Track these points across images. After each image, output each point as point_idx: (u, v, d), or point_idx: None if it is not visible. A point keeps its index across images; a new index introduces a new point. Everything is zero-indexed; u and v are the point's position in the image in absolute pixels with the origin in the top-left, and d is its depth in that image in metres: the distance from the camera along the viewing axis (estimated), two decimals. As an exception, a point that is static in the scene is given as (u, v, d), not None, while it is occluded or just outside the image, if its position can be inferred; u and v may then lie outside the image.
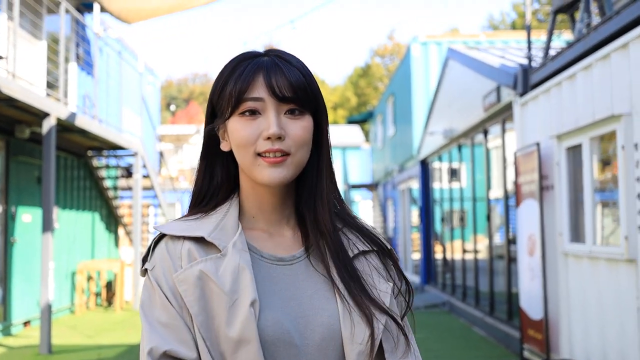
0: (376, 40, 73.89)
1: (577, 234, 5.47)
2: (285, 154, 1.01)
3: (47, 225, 7.23)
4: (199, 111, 48.32)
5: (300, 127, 1.03)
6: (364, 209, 25.86)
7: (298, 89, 1.03)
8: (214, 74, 70.43)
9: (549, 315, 5.92)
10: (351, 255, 1.07)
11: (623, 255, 4.52)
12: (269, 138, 1.00)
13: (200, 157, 1.12)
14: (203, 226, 1.04)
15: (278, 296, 1.01)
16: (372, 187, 20.66)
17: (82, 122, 8.51)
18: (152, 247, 1.04)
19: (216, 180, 1.10)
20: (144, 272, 1.03)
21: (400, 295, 1.13)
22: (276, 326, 0.98)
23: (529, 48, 6.74)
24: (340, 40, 76.51)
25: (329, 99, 49.02)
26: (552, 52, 6.52)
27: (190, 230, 1.03)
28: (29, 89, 7.13)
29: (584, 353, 5.25)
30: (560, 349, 5.78)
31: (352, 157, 28.08)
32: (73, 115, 8.13)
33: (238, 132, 1.02)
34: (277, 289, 1.02)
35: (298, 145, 1.03)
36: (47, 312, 7.09)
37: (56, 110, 7.54)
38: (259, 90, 1.01)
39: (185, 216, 1.09)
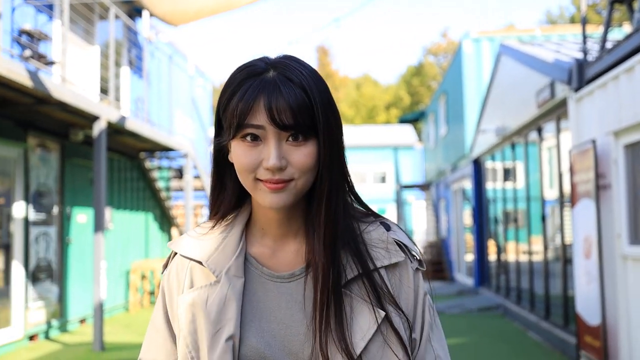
0: (429, 39, 72.98)
1: (636, 236, 5.17)
2: (286, 181, 0.99)
3: (99, 225, 7.39)
4: (253, 113, 48.95)
5: (302, 155, 0.99)
6: (417, 209, 25.52)
7: (299, 114, 0.97)
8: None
9: (607, 321, 5.62)
10: (345, 280, 1.01)
11: (686, 258, 4.23)
12: (268, 169, 0.98)
13: (212, 167, 1.11)
14: (206, 246, 1.06)
15: (266, 318, 1.02)
16: (424, 187, 20.36)
17: (132, 124, 8.66)
18: (169, 259, 1.11)
19: (227, 191, 1.10)
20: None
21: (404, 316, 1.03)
22: (255, 355, 0.99)
23: (584, 41, 6.44)
24: (394, 38, 75.93)
25: (381, 98, 48.74)
26: (609, 45, 6.20)
27: (194, 252, 1.06)
28: (80, 93, 7.30)
29: (645, 362, 4.96)
30: (619, 357, 5.48)
31: (405, 157, 27.78)
32: (123, 118, 8.28)
33: (239, 158, 1.00)
34: (268, 307, 1.03)
35: (301, 173, 1.00)
36: (99, 311, 7.24)
37: (106, 114, 7.70)
38: (260, 116, 0.97)
39: (200, 227, 1.11)
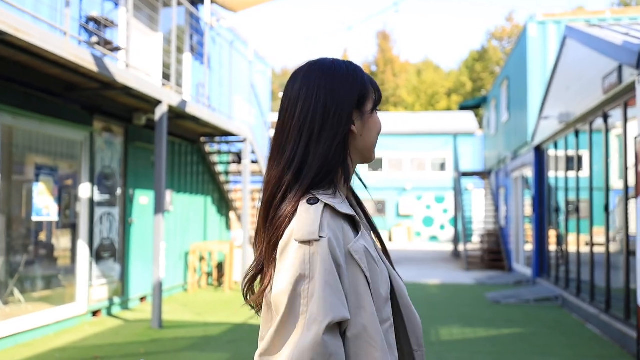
0: (494, 22, 71.04)
1: None
2: None
3: (159, 207, 7.62)
4: (312, 99, 48.98)
5: None
6: (476, 197, 25.06)
7: None
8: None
9: (671, 315, 5.40)
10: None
11: None
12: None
13: (336, 139, 1.28)
14: (345, 205, 1.25)
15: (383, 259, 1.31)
16: (484, 175, 19.96)
17: (193, 109, 8.86)
18: (321, 218, 1.18)
19: (341, 156, 1.29)
20: (320, 239, 1.15)
21: None
22: (398, 283, 1.30)
23: (655, 23, 6.13)
24: (456, 22, 74.37)
25: (443, 85, 47.89)
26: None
27: (345, 208, 1.24)
28: (143, 78, 7.51)
29: None
30: (683, 354, 5.26)
31: (464, 144, 27.29)
32: (184, 102, 8.48)
33: (379, 124, 1.36)
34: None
35: None
36: (158, 289, 7.49)
37: (168, 98, 7.90)
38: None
39: (322, 191, 1.25)
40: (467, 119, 29.48)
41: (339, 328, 1.13)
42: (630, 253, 6.97)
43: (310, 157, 1.27)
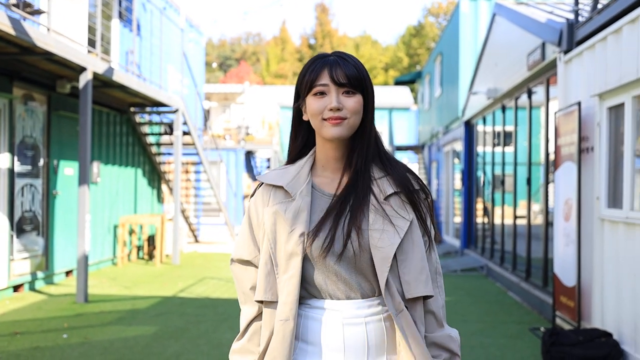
0: (431, -1, 71.83)
1: (614, 199, 5.19)
2: (343, 118, 1.52)
3: (83, 178, 7.38)
4: (249, 71, 48.39)
5: (352, 101, 1.53)
6: (411, 171, 25.48)
7: (350, 77, 1.53)
8: (265, 33, 69.40)
9: (582, 282, 5.70)
10: (383, 196, 1.54)
11: (660, 221, 4.25)
12: (331, 109, 1.51)
13: (291, 125, 1.67)
14: (285, 176, 1.59)
15: (327, 221, 1.52)
16: (418, 149, 20.32)
17: (120, 77, 8.57)
18: (256, 189, 1.64)
19: (299, 141, 1.66)
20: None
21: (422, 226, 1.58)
22: (319, 248, 1.50)
23: (577, 2, 6.34)
24: (394, -1, 74.75)
25: (380, 60, 48.21)
26: (600, 6, 6.10)
27: (276, 180, 1.59)
28: (66, 43, 7.19)
29: (616, 323, 5.03)
30: (592, 318, 5.57)
31: (399, 119, 27.64)
32: (110, 70, 8.19)
33: (312, 106, 1.55)
34: (322, 215, 1.53)
35: (351, 113, 1.53)
36: (83, 263, 7.29)
37: (93, 65, 7.61)
38: (325, 78, 1.53)
39: (279, 167, 1.65)
40: (403, 93, 29.84)
41: (242, 261, 1.63)
42: (549, 224, 7.28)
43: None
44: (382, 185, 1.56)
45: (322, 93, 1.53)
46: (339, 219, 1.51)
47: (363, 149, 1.57)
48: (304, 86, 1.57)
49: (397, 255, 1.49)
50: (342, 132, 1.52)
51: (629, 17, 4.75)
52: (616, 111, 5.18)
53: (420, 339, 1.49)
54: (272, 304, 1.53)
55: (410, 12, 72.84)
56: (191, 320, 6.45)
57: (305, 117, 1.61)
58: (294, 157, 1.65)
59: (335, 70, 1.53)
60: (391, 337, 1.52)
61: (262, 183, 1.62)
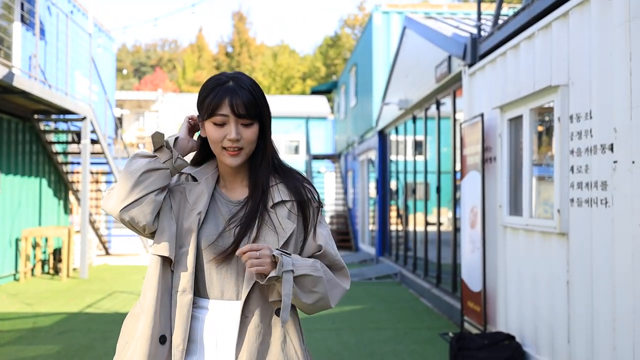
0: (346, 10, 73.11)
1: (515, 207, 5.43)
2: (240, 149, 1.69)
3: (-21, 189, 6.93)
4: (165, 78, 47.37)
5: (249, 132, 1.69)
6: (328, 180, 25.78)
7: (249, 107, 1.67)
8: (181, 40, 68.06)
9: (487, 287, 5.91)
10: (272, 203, 1.73)
11: (555, 228, 4.48)
12: (230, 140, 1.66)
13: (198, 135, 1.83)
14: (194, 169, 1.79)
15: (219, 220, 1.73)
16: (334, 158, 20.55)
17: (21, 83, 8.15)
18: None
19: (202, 152, 1.83)
20: None
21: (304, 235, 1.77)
22: (209, 237, 1.70)
23: (479, 17, 6.62)
24: (311, 8, 75.56)
25: (298, 69, 48.47)
26: (501, 22, 6.40)
27: (188, 169, 1.79)
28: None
29: (518, 326, 5.25)
30: (497, 322, 5.79)
31: (316, 128, 27.86)
32: (11, 75, 7.77)
33: (211, 134, 1.69)
34: (221, 215, 1.74)
35: (247, 143, 1.70)
36: (-21, 280, 6.84)
37: (-10, 70, 7.19)
38: (225, 109, 1.66)
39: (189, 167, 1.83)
40: (320, 103, 30.12)
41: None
42: (457, 230, 7.53)
43: None
44: (273, 194, 1.74)
45: (222, 123, 1.67)
46: (230, 224, 1.71)
47: (261, 168, 1.75)
48: (205, 109, 1.70)
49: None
50: (239, 162, 1.71)
51: (526, 34, 5.00)
52: (516, 123, 5.43)
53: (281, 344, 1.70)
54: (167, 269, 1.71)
55: (327, 22, 73.85)
56: (97, 337, 6.18)
57: (202, 134, 1.77)
58: (198, 160, 1.84)
59: (235, 100, 1.66)
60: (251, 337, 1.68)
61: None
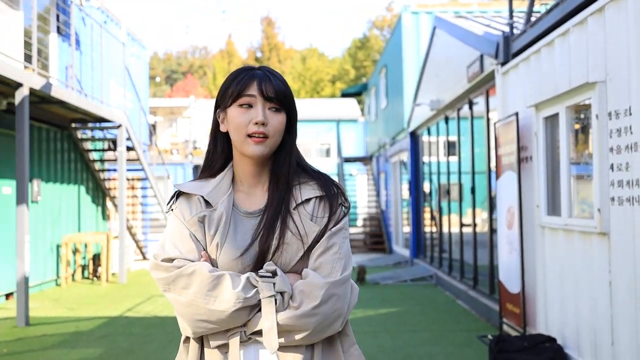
0: (375, 12, 72.99)
1: (554, 207, 5.35)
2: (266, 137, 1.51)
3: (21, 197, 7.12)
4: (196, 85, 47.93)
5: (277, 120, 1.53)
6: (360, 182, 25.74)
7: (278, 93, 1.53)
8: (211, 47, 68.79)
9: (526, 288, 5.84)
10: (295, 204, 1.54)
11: (596, 228, 4.40)
12: (256, 123, 1.49)
13: (209, 136, 1.65)
14: (206, 187, 1.57)
15: (239, 238, 1.53)
16: (366, 160, 20.52)
17: (59, 93, 8.34)
18: (175, 196, 1.60)
19: (218, 153, 1.63)
20: (170, 210, 1.60)
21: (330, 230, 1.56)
22: (227, 261, 1.51)
23: (511, 15, 6.54)
24: (340, 10, 75.62)
25: (327, 72, 48.55)
26: (533, 19, 6.31)
27: (197, 189, 1.57)
28: (1, 59, 6.96)
29: (559, 328, 5.17)
30: (536, 323, 5.70)
31: (347, 131, 27.84)
32: (49, 85, 7.96)
33: (236, 118, 1.52)
34: (240, 233, 1.54)
35: (274, 132, 1.53)
36: (23, 285, 7.03)
37: (29, 81, 7.38)
38: (253, 90, 1.51)
39: (197, 178, 1.63)
40: (350, 105, 30.10)
41: (168, 260, 1.53)
42: (493, 232, 7.44)
43: None
44: (296, 194, 1.56)
45: (249, 105, 1.52)
46: (249, 248, 1.52)
47: (285, 169, 1.57)
48: (228, 96, 1.54)
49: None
50: (263, 151, 1.52)
51: (560, 30, 4.93)
52: (552, 121, 5.35)
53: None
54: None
55: (356, 24, 73.78)
56: (138, 341, 6.28)
57: (223, 129, 1.59)
58: (218, 168, 1.62)
59: (265, 83, 1.52)
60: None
61: (179, 192, 1.59)
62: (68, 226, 10.89)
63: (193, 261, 1.50)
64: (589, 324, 4.60)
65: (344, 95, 23.44)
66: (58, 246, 10.44)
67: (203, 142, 21.46)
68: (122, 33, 12.76)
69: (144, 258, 14.08)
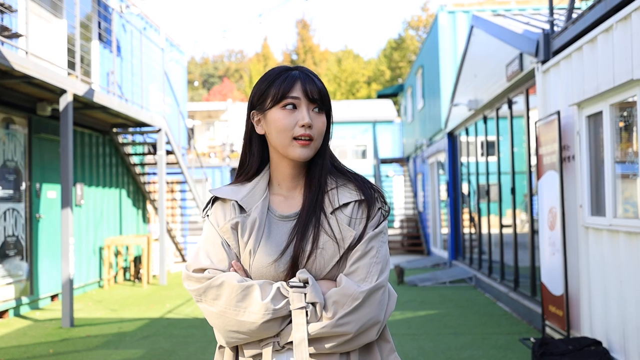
0: (410, 12, 72.52)
1: (597, 207, 5.23)
2: (311, 139, 1.48)
3: (65, 201, 7.30)
4: (233, 88, 48.42)
5: (321, 121, 1.51)
6: (397, 184, 25.61)
7: (321, 95, 1.51)
8: (247, 50, 69.34)
9: (570, 290, 5.72)
10: (332, 209, 1.50)
11: (642, 228, 4.28)
12: (303, 125, 1.46)
13: (244, 139, 1.60)
14: (241, 192, 1.54)
15: (273, 243, 1.49)
16: (402, 161, 20.40)
17: (101, 98, 8.53)
18: (210, 202, 1.58)
19: (254, 156, 1.58)
20: (206, 216, 1.57)
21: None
22: (261, 267, 1.48)
23: (551, 12, 6.42)
24: (374, 11, 75.39)
25: (362, 73, 48.46)
26: (575, 16, 6.19)
27: (232, 194, 1.54)
28: (45, 66, 7.16)
29: (604, 331, 5.05)
30: (581, 326, 5.58)
31: (384, 132, 27.75)
32: (91, 91, 8.15)
33: (280, 121, 1.48)
34: (275, 237, 1.50)
35: (319, 134, 1.51)
36: (68, 287, 7.20)
37: (73, 87, 7.56)
38: (298, 91, 1.48)
39: (232, 183, 1.60)
40: (386, 106, 29.98)
41: (200, 270, 1.50)
42: (535, 233, 7.31)
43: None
44: (333, 198, 1.52)
45: (293, 107, 1.48)
46: (283, 252, 1.48)
47: (319, 171, 1.54)
48: (271, 97, 1.50)
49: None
50: (309, 154, 1.49)
51: (603, 27, 4.82)
52: (595, 119, 5.24)
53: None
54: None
55: (391, 25, 73.47)
56: (179, 342, 6.37)
57: (260, 131, 1.55)
58: (254, 172, 1.58)
59: (308, 84, 1.49)
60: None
61: (215, 197, 1.57)
62: (110, 229, 11.13)
63: (224, 271, 1.48)
64: (636, 327, 4.48)
65: (380, 96, 23.36)
66: (100, 249, 10.67)
67: (240, 145, 21.65)
68: (161, 39, 12.98)
69: (183, 260, 14.27)
